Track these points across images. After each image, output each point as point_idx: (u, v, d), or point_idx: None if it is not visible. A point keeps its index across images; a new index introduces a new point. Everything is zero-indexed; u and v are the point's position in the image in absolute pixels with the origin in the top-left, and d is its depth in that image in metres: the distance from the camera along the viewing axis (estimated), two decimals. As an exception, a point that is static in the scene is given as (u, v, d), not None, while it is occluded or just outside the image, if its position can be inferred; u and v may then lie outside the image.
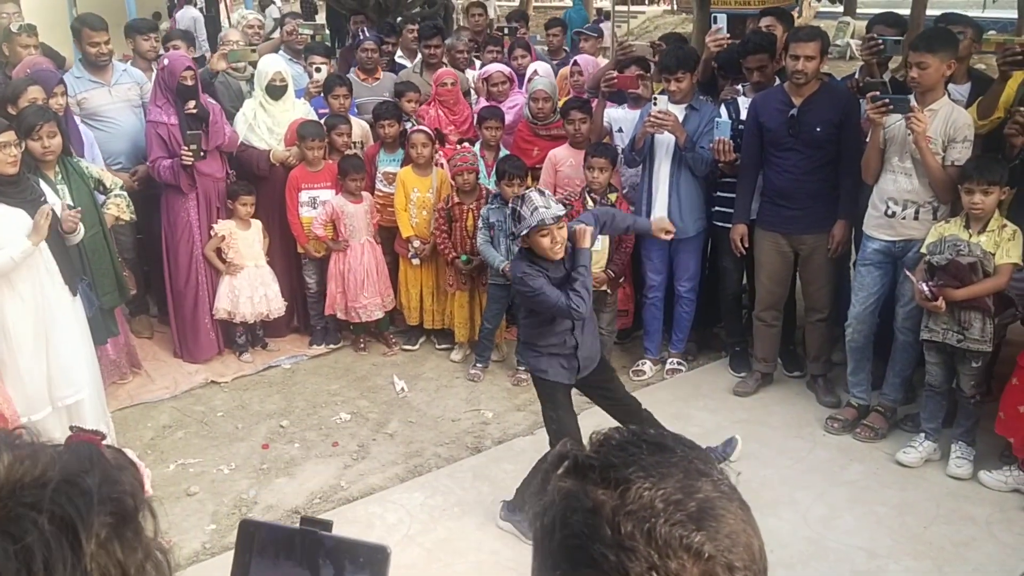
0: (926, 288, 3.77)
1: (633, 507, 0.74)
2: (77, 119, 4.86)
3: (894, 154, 4.09)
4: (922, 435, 4.14)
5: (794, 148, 4.41)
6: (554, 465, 0.82)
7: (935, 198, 4.04)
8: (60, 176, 4.17)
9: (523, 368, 5.12)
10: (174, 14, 10.85)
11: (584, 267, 3.44)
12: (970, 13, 5.35)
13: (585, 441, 0.85)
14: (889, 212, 4.14)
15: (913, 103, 3.91)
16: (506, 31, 7.27)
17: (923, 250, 3.92)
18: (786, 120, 4.39)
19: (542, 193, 3.42)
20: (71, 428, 2.99)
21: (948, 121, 3.95)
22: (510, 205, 3.48)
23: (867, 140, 4.26)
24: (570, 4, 18.56)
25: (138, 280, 5.44)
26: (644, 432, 0.83)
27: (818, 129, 4.35)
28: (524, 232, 3.35)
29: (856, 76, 4.75)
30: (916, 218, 4.08)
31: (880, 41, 4.40)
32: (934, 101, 3.97)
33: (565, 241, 3.41)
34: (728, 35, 5.04)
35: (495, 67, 5.95)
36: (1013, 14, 15.59)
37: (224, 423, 4.69)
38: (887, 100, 3.95)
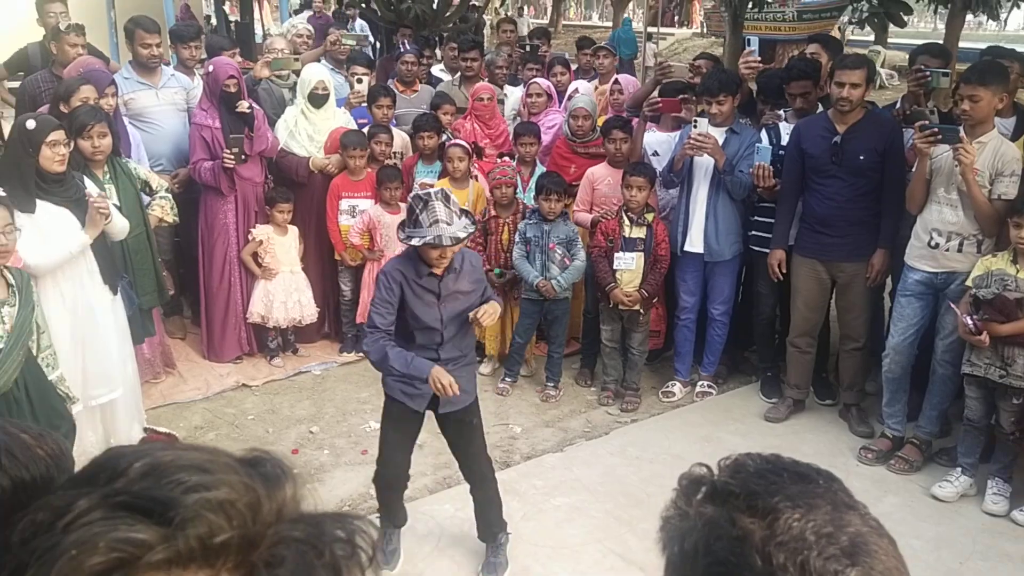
0: (970, 322, 3.74)
1: (784, 538, 0.73)
2: (125, 120, 4.92)
3: (940, 185, 4.07)
4: (958, 469, 4.09)
5: (836, 175, 4.40)
6: (691, 490, 0.82)
7: (980, 231, 4.01)
8: (108, 176, 4.22)
9: (552, 384, 5.13)
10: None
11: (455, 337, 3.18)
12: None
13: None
14: (932, 243, 4.11)
15: (962, 134, 3.90)
16: (528, 48, 7.29)
17: (969, 283, 3.89)
18: (829, 147, 4.38)
19: (448, 201, 3.07)
20: (145, 429, 3.03)
21: (996, 154, 3.93)
22: (409, 200, 3.14)
23: (912, 170, 4.24)
24: (596, 23, 18.64)
25: (174, 282, 5.49)
26: (781, 459, 0.82)
27: (861, 157, 4.34)
28: (414, 242, 3.03)
29: (899, 106, 4.73)
30: (960, 250, 4.05)
31: (927, 72, 4.39)
32: (983, 134, 3.95)
33: (452, 257, 3.13)
34: (759, 59, 5.04)
35: (539, 80, 6.00)
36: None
37: (255, 426, 4.71)
38: (936, 129, 3.93)
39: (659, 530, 0.83)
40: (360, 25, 11.03)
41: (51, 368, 3.43)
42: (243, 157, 4.98)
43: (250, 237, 5.21)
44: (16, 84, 5.94)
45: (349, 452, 4.48)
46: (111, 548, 0.55)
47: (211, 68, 5.08)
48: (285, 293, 5.26)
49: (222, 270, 5.23)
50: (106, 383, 3.99)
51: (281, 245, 5.26)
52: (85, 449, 3.78)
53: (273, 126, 5.38)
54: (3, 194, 3.29)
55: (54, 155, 3.68)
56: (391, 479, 3.50)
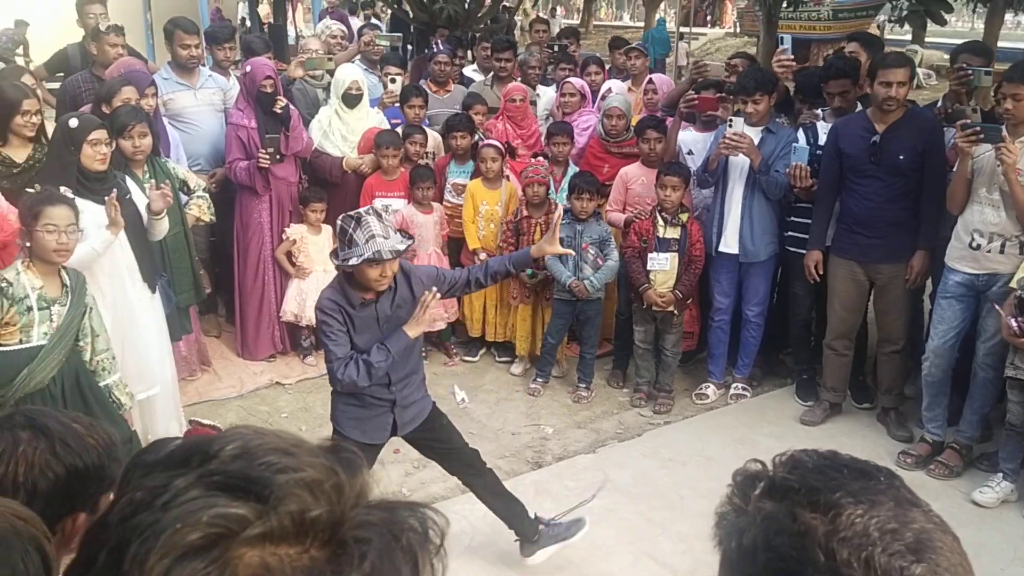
0: (1015, 324, 3.66)
1: (847, 534, 0.72)
2: (164, 120, 4.99)
3: (982, 185, 3.99)
4: (1000, 475, 4.02)
5: (875, 175, 4.33)
6: (747, 485, 0.80)
7: (1023, 232, 3.93)
8: (147, 175, 4.28)
9: (583, 385, 5.11)
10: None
11: (400, 336, 3.05)
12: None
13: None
14: (974, 244, 4.03)
15: (1004, 133, 3.82)
16: (556, 48, 7.28)
17: (1013, 284, 3.81)
18: (868, 147, 4.32)
19: (380, 218, 2.95)
20: (190, 422, 3.07)
21: (1040, 154, 3.85)
22: (339, 222, 3.00)
23: (953, 169, 4.17)
24: (628, 23, 18.67)
25: (210, 280, 5.55)
26: (839, 456, 0.81)
27: (901, 157, 4.27)
28: (352, 262, 2.89)
29: (940, 104, 4.65)
30: (1002, 251, 3.97)
31: (970, 70, 4.31)
32: (1026, 133, 3.87)
33: (395, 273, 3.02)
34: (792, 57, 4.98)
35: (573, 80, 5.98)
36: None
37: (288, 424, 4.74)
38: (978, 128, 3.86)
39: (714, 526, 0.82)
40: (324, 23, 10.96)
41: (107, 372, 3.47)
42: (278, 157, 5.03)
43: (284, 236, 5.26)
44: (56, 85, 6.05)
45: (382, 451, 4.48)
46: (211, 524, 0.58)
47: (248, 68, 5.13)
48: (318, 292, 5.26)
49: (256, 269, 5.28)
50: (145, 380, 4.04)
51: (315, 244, 5.29)
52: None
53: (307, 126, 5.42)
54: (71, 195, 3.35)
55: (95, 153, 3.74)
56: None
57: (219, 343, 5.60)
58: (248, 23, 15.25)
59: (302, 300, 5.28)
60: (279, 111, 4.99)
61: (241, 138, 5.07)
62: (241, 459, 0.63)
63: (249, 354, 5.39)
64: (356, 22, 11.73)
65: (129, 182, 4.07)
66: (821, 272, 4.61)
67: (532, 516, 3.52)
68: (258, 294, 5.33)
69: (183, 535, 0.57)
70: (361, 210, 3.02)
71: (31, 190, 3.38)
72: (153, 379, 4.07)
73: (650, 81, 5.81)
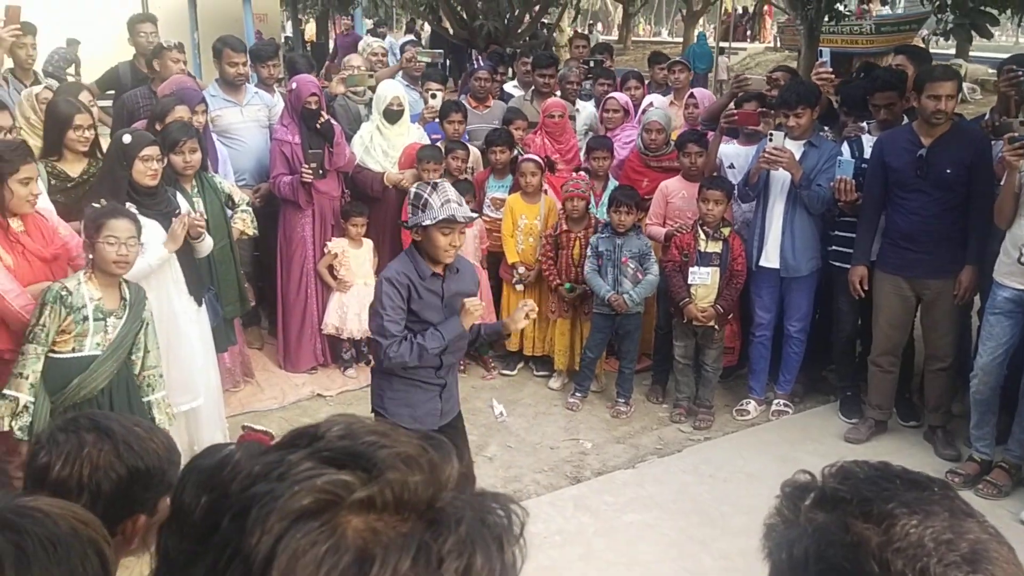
0: (1067, 341, 3.58)
1: (901, 544, 0.71)
2: (213, 136, 5.10)
3: (1031, 199, 3.91)
4: (1051, 496, 3.91)
5: (921, 189, 4.27)
6: (797, 496, 0.80)
7: (1074, 246, 3.84)
8: (196, 190, 4.37)
9: (622, 400, 5.08)
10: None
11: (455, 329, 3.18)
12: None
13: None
14: (1023, 259, 3.95)
15: (1054, 146, 3.75)
16: (592, 63, 7.32)
17: (1064, 300, 3.72)
18: (914, 160, 4.26)
19: (450, 188, 3.17)
20: (243, 427, 3.13)
21: (1091, 167, 3.77)
22: (414, 189, 3.17)
23: (1001, 183, 4.09)
24: (666, 38, 18.69)
25: (253, 293, 5.64)
26: (890, 467, 0.80)
27: (948, 171, 4.20)
28: (427, 223, 3.03)
29: (987, 117, 4.58)
30: (1053, 267, 3.88)
31: (1020, 72, 4.25)
32: (1077, 146, 3.79)
33: (461, 246, 3.17)
34: (831, 70, 4.94)
35: (616, 95, 6.00)
36: None
37: (329, 436, 4.78)
38: (1026, 142, 3.79)
39: (763, 537, 0.81)
40: (389, 41, 11.08)
41: (152, 389, 3.53)
42: (321, 172, 5.10)
43: (326, 250, 5.33)
44: (107, 102, 6.21)
45: (421, 463, 4.50)
46: (322, 489, 0.64)
47: (294, 85, 5.22)
48: (359, 305, 5.34)
49: (299, 282, 5.36)
50: (189, 391, 4.11)
51: (356, 258, 5.35)
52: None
53: (349, 142, 5.49)
54: (134, 210, 3.44)
55: (147, 169, 3.83)
56: None
57: (261, 355, 5.68)
58: (291, 42, 15.52)
59: (343, 313, 5.34)
60: (319, 127, 5.07)
61: (285, 153, 5.16)
62: (346, 439, 0.68)
63: (291, 366, 5.46)
64: (392, 40, 11.91)
65: (179, 197, 4.16)
66: (866, 288, 4.55)
67: None
68: (300, 307, 5.40)
69: (298, 499, 0.63)
70: (436, 179, 3.15)
71: (96, 204, 3.47)
72: (198, 390, 4.14)
73: (691, 95, 5.80)
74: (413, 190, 3.17)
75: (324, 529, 0.62)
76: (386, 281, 3.16)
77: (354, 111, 5.96)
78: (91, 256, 3.29)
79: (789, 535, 0.78)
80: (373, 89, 5.77)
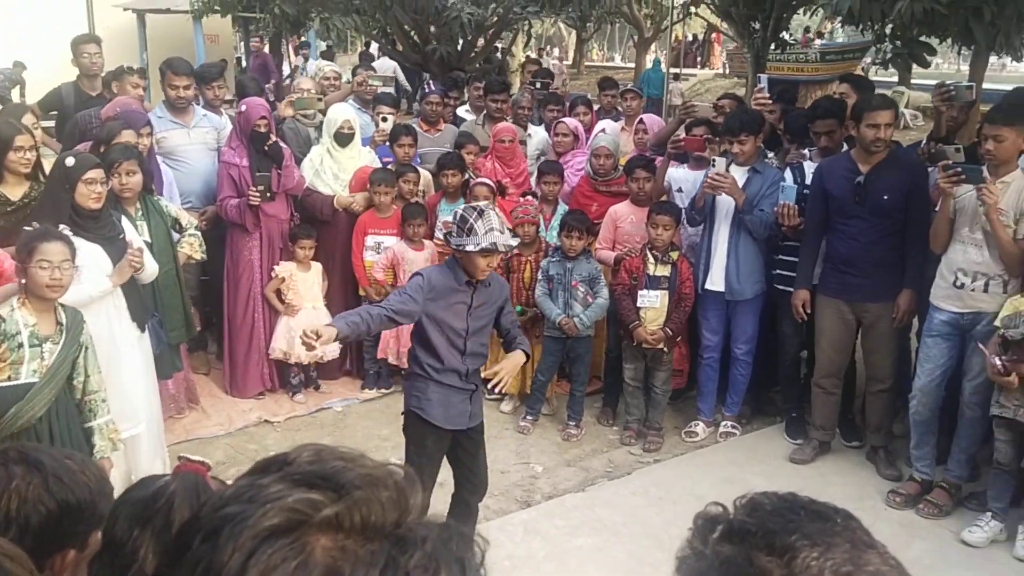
0: (999, 362, 3.69)
1: None
2: (159, 158, 5.03)
3: (964, 225, 4.04)
4: (988, 514, 4.01)
5: (860, 216, 4.38)
6: (707, 529, 0.81)
7: (1006, 271, 3.97)
8: (140, 213, 4.30)
9: (573, 423, 5.10)
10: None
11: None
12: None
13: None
14: (958, 283, 4.07)
15: (985, 174, 3.88)
16: (537, 86, 7.42)
17: (998, 323, 3.84)
18: (852, 187, 4.37)
19: (496, 214, 3.36)
20: (179, 458, 3.04)
21: (1021, 194, 3.91)
22: (461, 211, 3.39)
23: (936, 209, 4.22)
24: (619, 64, 18.92)
25: (200, 318, 5.55)
26: (797, 498, 0.82)
27: (885, 197, 4.32)
28: (470, 248, 3.24)
29: (924, 145, 4.73)
30: (986, 290, 4.01)
31: (951, 87, 4.41)
32: (1007, 173, 3.93)
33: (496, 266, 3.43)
34: (770, 96, 5.06)
35: (567, 120, 6.07)
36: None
37: (276, 463, 4.71)
38: (959, 170, 3.92)
39: (675, 571, 0.83)
40: (317, 64, 11.00)
41: (95, 414, 3.42)
42: (269, 195, 5.06)
43: (273, 274, 5.27)
44: (50, 123, 6.09)
45: (370, 489, 4.46)
46: (291, 508, 0.66)
47: (243, 108, 5.18)
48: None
49: (246, 306, 5.29)
50: (129, 418, 4.01)
51: (304, 281, 5.31)
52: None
53: (299, 164, 5.46)
54: (69, 232, 3.36)
55: (90, 192, 3.76)
56: None
57: (208, 380, 5.58)
58: (243, 64, 15.41)
59: (291, 337, 5.27)
60: (267, 149, 5.04)
61: (233, 176, 5.11)
62: (315, 463, 0.71)
63: (238, 391, 5.37)
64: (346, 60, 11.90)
65: (128, 228, 4.08)
66: (809, 311, 4.64)
67: None
68: (247, 331, 5.32)
69: (268, 518, 0.66)
70: (482, 203, 3.44)
71: (28, 228, 3.39)
72: (138, 417, 4.05)
73: (641, 121, 5.89)
74: (459, 212, 3.38)
75: (294, 546, 0.64)
76: (418, 275, 3.39)
77: (304, 134, 5.94)
78: (23, 281, 3.20)
79: (698, 568, 0.79)
80: (323, 112, 5.76)
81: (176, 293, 4.47)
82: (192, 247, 4.59)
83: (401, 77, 12.51)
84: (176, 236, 4.58)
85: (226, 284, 5.33)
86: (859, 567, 0.74)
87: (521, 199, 5.40)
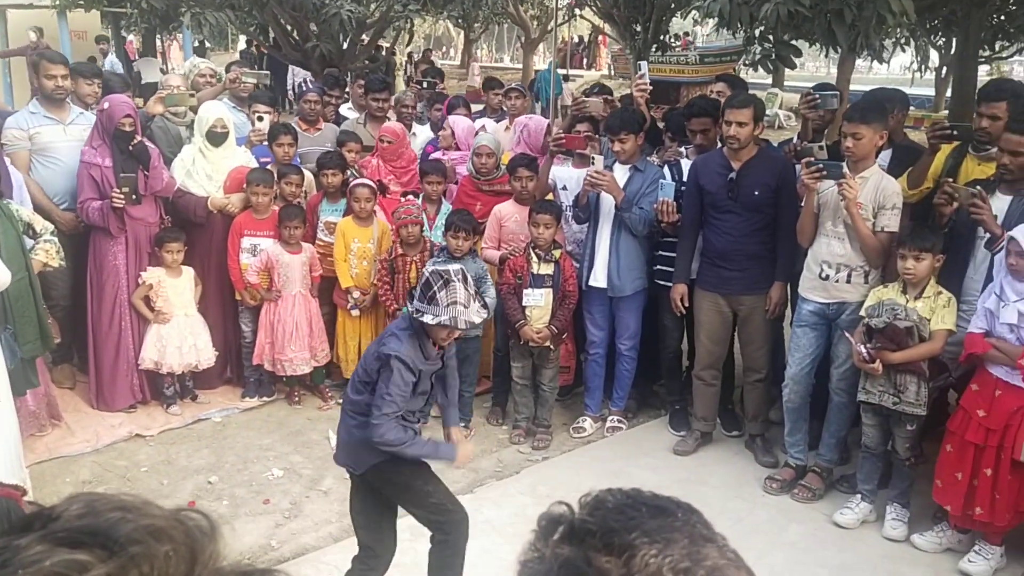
0: (864, 350, 3.85)
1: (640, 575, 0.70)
2: (7, 160, 4.69)
3: (827, 219, 4.21)
4: (858, 496, 4.19)
5: (733, 211, 4.51)
6: (548, 530, 0.78)
7: (866, 262, 4.16)
8: (-14, 217, 3.99)
9: (462, 424, 5.04)
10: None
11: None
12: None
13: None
14: (823, 275, 4.24)
15: (845, 170, 4.05)
16: (424, 85, 7.34)
17: (862, 312, 4.01)
18: (725, 183, 4.49)
19: (467, 282, 3.04)
20: None
21: (878, 189, 4.10)
22: (427, 274, 3.08)
23: (802, 204, 4.38)
24: (508, 64, 19.01)
25: (64, 328, 5.22)
26: (641, 494, 0.79)
27: (756, 192, 4.46)
28: (427, 320, 2.97)
29: (794, 142, 4.91)
30: (848, 281, 4.19)
31: (816, 95, 4.60)
32: (865, 169, 4.12)
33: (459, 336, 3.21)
34: (648, 82, 5.15)
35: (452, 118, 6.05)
36: (931, 91, 16.54)
37: (148, 479, 4.47)
38: (821, 166, 4.08)
39: (517, 575, 0.79)
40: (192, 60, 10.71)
41: None
42: (135, 197, 4.80)
43: (140, 280, 5.00)
44: None
45: (250, 502, 4.29)
46: (51, 572, 0.58)
47: (106, 106, 4.91)
48: (180, 337, 5.05)
49: (112, 314, 5.00)
50: (-18, 438, 3.72)
51: (174, 287, 5.06)
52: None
53: (169, 164, 5.21)
54: None
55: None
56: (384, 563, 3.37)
57: (73, 395, 5.25)
58: (111, 59, 14.67)
59: (162, 346, 5.02)
60: (132, 148, 4.80)
61: (94, 177, 4.83)
62: (86, 516, 0.63)
63: (105, 405, 5.07)
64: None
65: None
66: (687, 304, 4.74)
67: None
68: (114, 341, 5.03)
69: None
70: (451, 270, 3.05)
71: None
72: (-8, 437, 3.75)
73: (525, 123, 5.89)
74: (426, 274, 3.08)
75: None
76: (399, 362, 3.02)
77: (174, 132, 5.67)
78: None
79: (539, 571, 0.75)
80: (195, 110, 5.51)
81: (30, 304, 4.16)
82: (48, 254, 4.29)
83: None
84: (30, 242, 4.27)
85: (90, 292, 5.02)
86: (697, 562, 0.72)
87: (402, 199, 5.31)
